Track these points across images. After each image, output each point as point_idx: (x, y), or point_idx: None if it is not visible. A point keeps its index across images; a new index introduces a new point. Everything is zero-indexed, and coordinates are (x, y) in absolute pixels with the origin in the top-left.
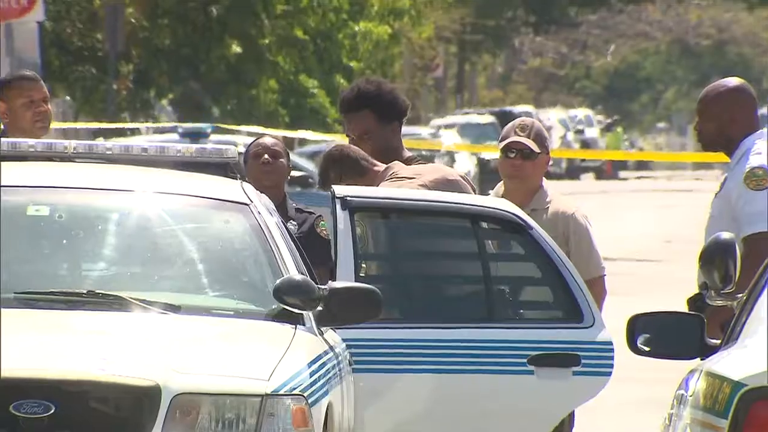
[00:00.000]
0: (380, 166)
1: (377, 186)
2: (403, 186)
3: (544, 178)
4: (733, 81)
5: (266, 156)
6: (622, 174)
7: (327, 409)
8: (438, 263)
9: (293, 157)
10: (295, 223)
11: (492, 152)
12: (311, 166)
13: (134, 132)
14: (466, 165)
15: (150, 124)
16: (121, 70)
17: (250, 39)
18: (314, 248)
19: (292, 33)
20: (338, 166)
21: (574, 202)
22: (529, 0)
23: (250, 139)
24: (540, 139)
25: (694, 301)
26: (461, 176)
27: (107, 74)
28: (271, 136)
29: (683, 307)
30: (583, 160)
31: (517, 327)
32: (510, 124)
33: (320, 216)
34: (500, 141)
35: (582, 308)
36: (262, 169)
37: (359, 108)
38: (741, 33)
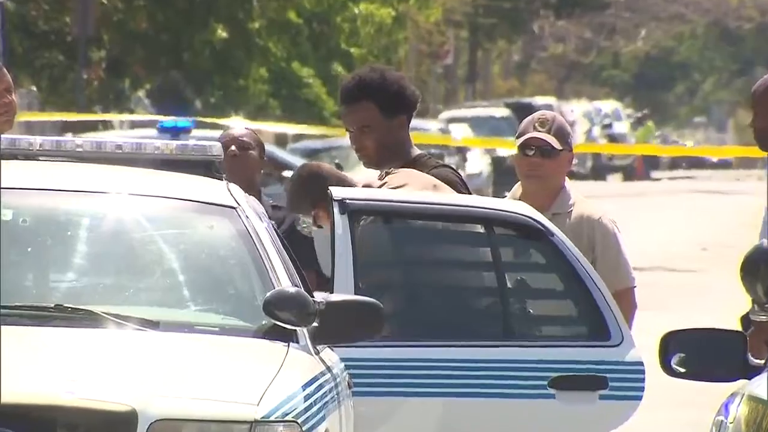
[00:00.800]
0: (357, 184)
1: None
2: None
3: (566, 178)
4: None
5: (233, 148)
6: (654, 174)
7: None
8: (448, 274)
9: (285, 154)
10: (272, 222)
11: (508, 149)
12: None
13: (107, 126)
14: (478, 164)
15: (125, 117)
16: (92, 56)
17: (237, 22)
18: (296, 249)
19: (285, 16)
20: (308, 188)
21: (600, 206)
22: None
23: None
24: (562, 134)
25: (748, 321)
26: (457, 180)
27: (76, 61)
28: (245, 128)
29: (724, 323)
30: (611, 159)
31: (537, 345)
32: (528, 118)
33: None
34: (517, 137)
35: (609, 324)
36: (230, 163)
37: (360, 98)
38: None
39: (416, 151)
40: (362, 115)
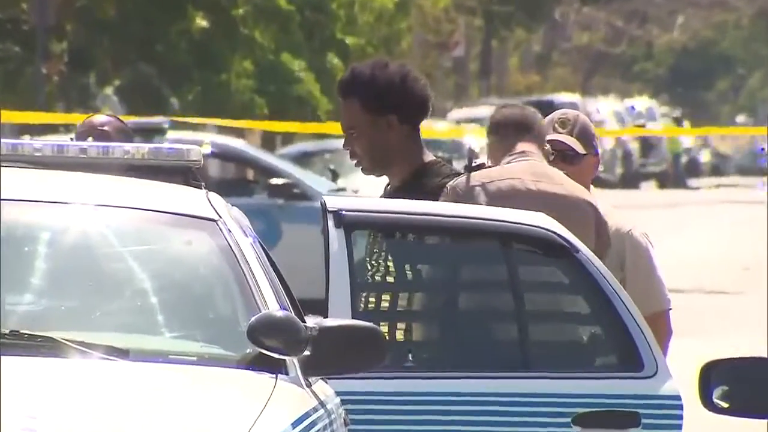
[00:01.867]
0: None
1: None
2: None
3: (591, 186)
4: None
5: (91, 140)
6: (693, 182)
7: None
8: (458, 295)
9: (273, 159)
10: (257, 237)
11: None
12: (297, 173)
13: (70, 128)
14: None
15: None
16: (53, 49)
17: (219, 9)
18: None
19: (273, 1)
20: None
21: (630, 217)
22: None
23: (218, 138)
24: (586, 136)
25: None
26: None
27: (35, 54)
28: (104, 116)
29: None
30: (644, 165)
31: (559, 377)
32: (547, 119)
33: None
34: None
35: (641, 352)
36: None
37: (345, 95)
38: None
39: (428, 157)
40: (349, 114)
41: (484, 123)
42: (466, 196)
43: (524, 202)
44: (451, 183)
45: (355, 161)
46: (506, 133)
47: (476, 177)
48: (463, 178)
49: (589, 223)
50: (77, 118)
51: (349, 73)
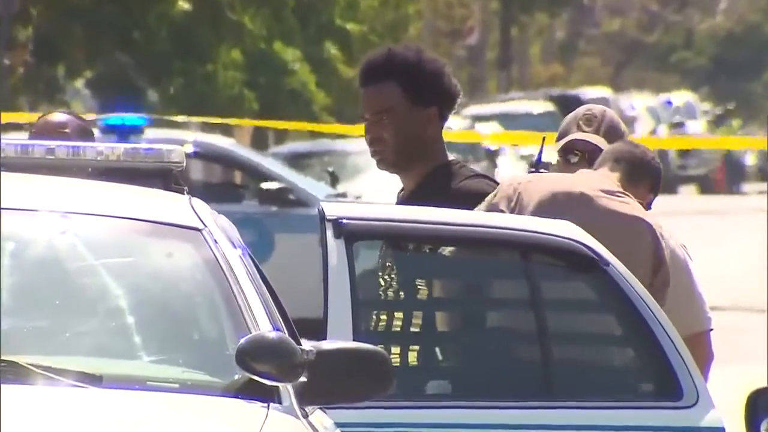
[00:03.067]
0: None
1: None
2: None
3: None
4: None
5: None
6: (739, 187)
7: None
8: (473, 315)
9: (264, 160)
10: (247, 248)
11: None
12: (292, 176)
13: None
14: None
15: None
16: (17, 36)
17: None
18: None
19: None
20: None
21: (667, 226)
22: None
23: (201, 136)
24: (614, 134)
25: None
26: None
27: None
28: (70, 113)
29: None
30: (682, 167)
31: (586, 406)
32: (571, 115)
33: None
34: (558, 138)
35: (680, 379)
36: None
37: (384, 77)
38: None
39: (450, 156)
40: (383, 97)
41: (502, 119)
42: (516, 196)
43: (577, 213)
44: (507, 181)
45: (374, 150)
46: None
47: (534, 179)
48: (520, 178)
49: (646, 255)
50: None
51: (385, 55)
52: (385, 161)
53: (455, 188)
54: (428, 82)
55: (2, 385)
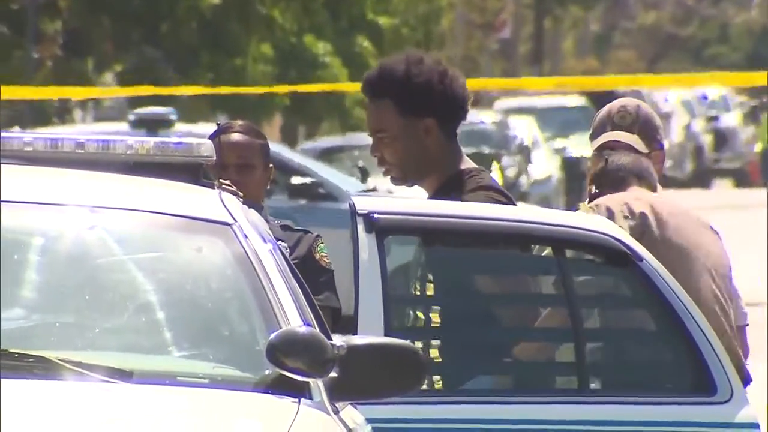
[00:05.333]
0: None
1: None
2: None
3: (658, 185)
4: None
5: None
6: None
7: None
8: (506, 310)
9: (293, 155)
10: (285, 245)
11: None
12: (322, 170)
13: (65, 119)
14: (546, 167)
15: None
16: (46, 29)
17: None
18: (311, 281)
19: None
20: None
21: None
22: None
23: None
24: (649, 130)
25: None
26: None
27: (25, 36)
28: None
29: None
30: (717, 161)
31: (621, 402)
32: (604, 110)
33: (318, 236)
34: (592, 135)
35: (714, 375)
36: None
37: (376, 95)
38: None
39: (466, 164)
40: (377, 117)
41: (536, 113)
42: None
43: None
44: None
45: (384, 169)
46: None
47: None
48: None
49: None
50: (72, 93)
51: (377, 71)
52: (396, 178)
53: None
54: (418, 94)
55: (33, 381)
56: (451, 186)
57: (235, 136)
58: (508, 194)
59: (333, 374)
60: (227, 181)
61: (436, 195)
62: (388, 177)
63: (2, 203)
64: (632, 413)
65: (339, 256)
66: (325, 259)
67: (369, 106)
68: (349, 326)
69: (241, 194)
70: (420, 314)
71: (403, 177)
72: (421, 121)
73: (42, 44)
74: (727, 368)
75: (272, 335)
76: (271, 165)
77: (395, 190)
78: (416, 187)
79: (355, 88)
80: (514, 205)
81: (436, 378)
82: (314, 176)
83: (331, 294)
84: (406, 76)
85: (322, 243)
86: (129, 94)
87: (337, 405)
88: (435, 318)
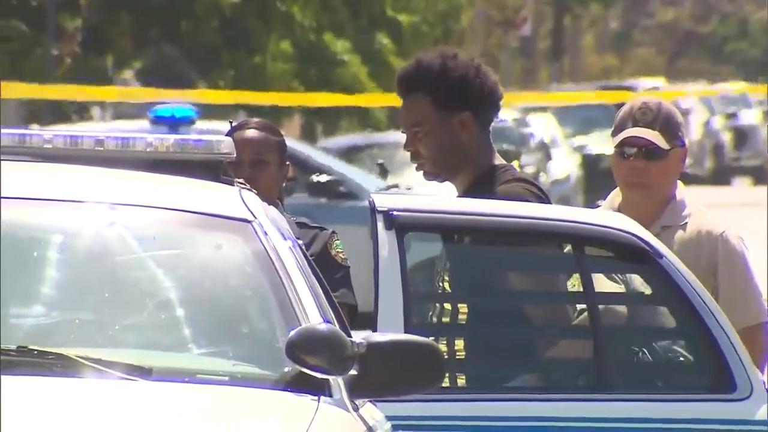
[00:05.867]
0: None
1: None
2: None
3: (679, 182)
4: None
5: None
6: None
7: None
8: (525, 307)
9: (313, 152)
10: (299, 240)
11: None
12: (342, 168)
13: (84, 116)
14: (565, 165)
15: (113, 98)
16: (65, 26)
17: None
18: (327, 278)
19: None
20: None
21: (723, 218)
22: None
23: None
24: (670, 127)
25: None
26: (529, 198)
27: (45, 33)
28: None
29: None
30: (737, 158)
31: (640, 399)
32: (626, 107)
33: (334, 233)
34: (614, 132)
35: (734, 372)
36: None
37: (411, 90)
38: None
39: (498, 161)
40: (412, 111)
41: (555, 111)
42: None
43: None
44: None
45: (416, 164)
46: None
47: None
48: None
49: None
50: (93, 93)
51: (413, 66)
52: (429, 173)
53: (493, 194)
54: (455, 88)
55: (52, 378)
56: (485, 181)
57: (250, 133)
58: (542, 188)
59: (353, 372)
60: (240, 180)
61: (469, 190)
62: (421, 172)
63: (22, 200)
64: (651, 410)
65: (359, 253)
66: (341, 255)
67: (403, 102)
68: (366, 323)
69: (254, 191)
70: (439, 310)
71: (437, 171)
72: (456, 116)
73: (61, 41)
74: (746, 365)
75: (292, 332)
76: (287, 162)
77: (414, 187)
78: (441, 184)
79: (377, 93)
80: (547, 198)
81: (455, 374)
82: (335, 174)
83: (347, 291)
84: (443, 70)
85: (337, 239)
86: (149, 98)
87: (356, 402)
88: (453, 314)
